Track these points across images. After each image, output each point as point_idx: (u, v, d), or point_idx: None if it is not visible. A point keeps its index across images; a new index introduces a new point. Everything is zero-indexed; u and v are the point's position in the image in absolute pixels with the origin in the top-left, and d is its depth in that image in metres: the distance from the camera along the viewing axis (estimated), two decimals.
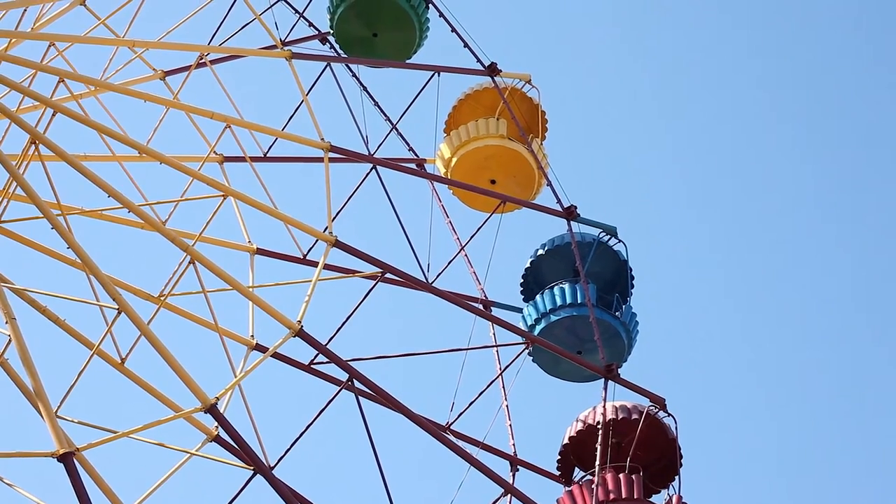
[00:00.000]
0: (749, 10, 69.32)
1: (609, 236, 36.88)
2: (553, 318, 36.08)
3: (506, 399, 35.35)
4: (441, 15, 40.44)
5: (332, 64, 38.79)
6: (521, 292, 37.73)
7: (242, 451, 28.11)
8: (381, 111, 39.87)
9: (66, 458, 25.96)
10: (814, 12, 69.32)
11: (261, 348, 31.85)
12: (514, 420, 35.53)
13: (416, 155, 39.65)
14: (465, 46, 39.61)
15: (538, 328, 36.04)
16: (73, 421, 28.12)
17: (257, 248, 34.80)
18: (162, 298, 31.27)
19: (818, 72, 68.29)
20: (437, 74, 38.48)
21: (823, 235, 66.28)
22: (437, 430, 31.64)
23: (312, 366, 32.78)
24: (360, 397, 31.45)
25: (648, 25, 69.92)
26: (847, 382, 62.70)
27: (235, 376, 29.86)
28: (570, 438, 33.19)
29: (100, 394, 35.70)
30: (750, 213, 66.54)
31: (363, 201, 36.78)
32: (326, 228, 34.19)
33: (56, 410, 28.41)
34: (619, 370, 35.05)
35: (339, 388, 31.08)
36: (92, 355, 28.74)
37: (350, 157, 36.25)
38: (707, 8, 70.08)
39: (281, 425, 32.68)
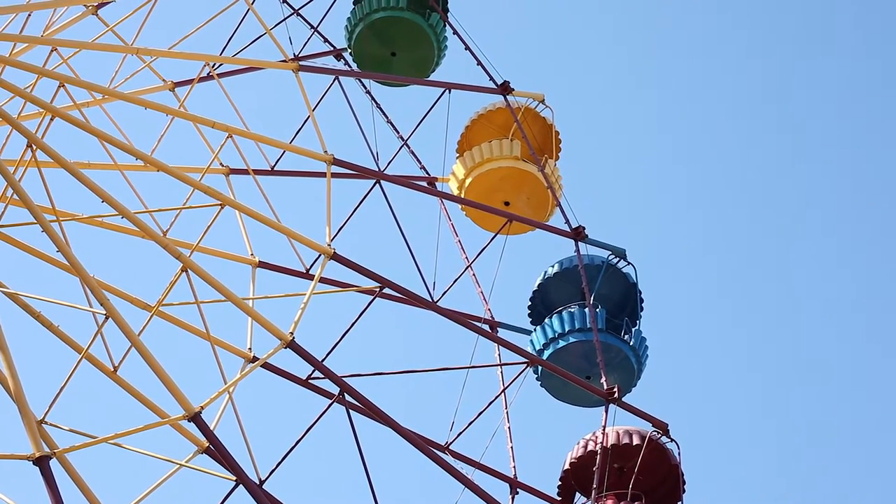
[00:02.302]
0: (766, 32, 69.14)
1: (618, 258, 36.36)
2: (561, 343, 35.66)
3: (508, 420, 34.82)
4: (455, 33, 40.26)
5: (346, 79, 38.70)
6: (529, 314, 37.30)
7: (224, 461, 27.77)
8: (393, 127, 39.69)
9: (42, 462, 25.79)
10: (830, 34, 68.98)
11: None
12: (518, 443, 35.04)
13: (427, 172, 39.39)
14: (478, 64, 39.36)
15: (547, 353, 35.61)
16: (55, 426, 28.15)
17: (259, 262, 34.57)
18: (155, 307, 30.99)
19: (837, 94, 67.95)
20: (448, 91, 38.17)
21: (839, 261, 65.64)
22: (428, 448, 31.16)
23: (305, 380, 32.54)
24: (355, 413, 31.16)
25: (661, 45, 69.93)
26: (856, 410, 62.02)
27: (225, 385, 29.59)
28: (571, 464, 32.75)
29: (95, 400, 35.74)
30: (761, 236, 66.17)
31: (373, 217, 36.63)
32: (330, 242, 33.91)
33: (45, 415, 28.50)
34: (629, 395, 34.95)
35: (330, 401, 30.74)
36: (80, 360, 28.73)
37: (353, 170, 35.97)
38: (721, 29, 69.95)
39: (276, 439, 32.42)
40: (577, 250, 36.06)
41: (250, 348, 31.98)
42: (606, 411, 32.72)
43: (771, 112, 68.26)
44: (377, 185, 35.55)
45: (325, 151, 35.96)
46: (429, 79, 40.13)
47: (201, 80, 36.58)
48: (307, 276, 34.44)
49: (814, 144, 67.81)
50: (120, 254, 38.27)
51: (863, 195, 65.90)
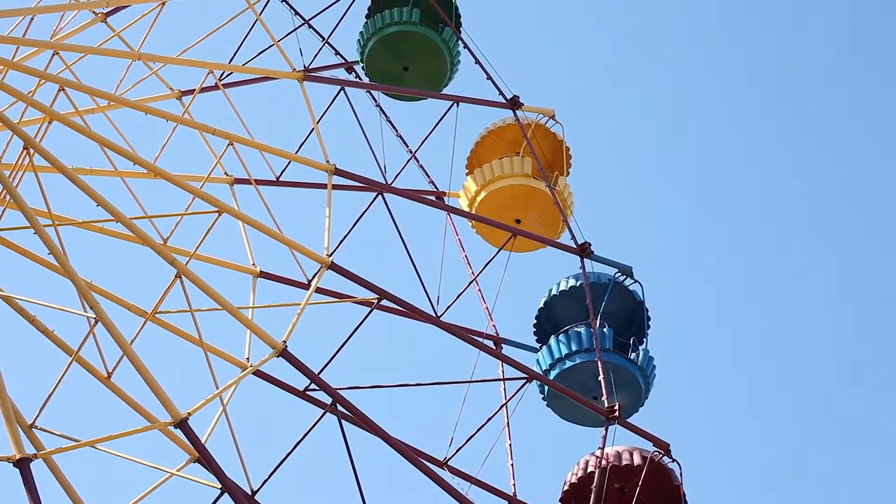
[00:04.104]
0: (777, 52, 68.77)
1: (625, 276, 35.90)
2: (568, 363, 35.24)
3: (509, 437, 34.43)
4: (466, 47, 40.02)
5: (357, 93, 38.61)
6: (535, 332, 36.92)
7: (210, 469, 27.50)
8: (402, 140, 39.52)
9: (22, 464, 25.64)
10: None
11: (255, 371, 31.35)
12: (518, 460, 34.66)
13: (435, 186, 39.11)
14: (487, 78, 39.05)
15: (553, 373, 35.22)
16: (45, 430, 28.05)
17: (261, 271, 34.34)
18: (150, 313, 30.78)
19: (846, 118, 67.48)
20: (456, 104, 37.87)
21: (847, 283, 64.90)
22: (421, 462, 30.73)
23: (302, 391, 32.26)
24: (352, 426, 30.93)
25: (670, 60, 69.68)
26: (861, 432, 61.16)
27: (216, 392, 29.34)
28: (572, 484, 32.36)
29: (93, 405, 35.62)
30: (771, 253, 65.61)
31: (379, 230, 36.41)
32: (329, 252, 33.63)
33: (35, 419, 28.41)
34: (637, 414, 34.52)
35: (323, 411, 30.44)
36: (70, 363, 28.61)
37: (355, 181, 35.72)
38: (728, 44, 69.62)
39: (272, 449, 32.17)
40: (583, 267, 35.60)
41: (248, 358, 31.70)
42: (606, 430, 32.33)
43: (773, 127, 68.06)
44: (379, 197, 35.28)
45: (328, 162, 35.77)
46: (437, 93, 39.81)
47: (209, 89, 36.52)
48: (307, 286, 34.10)
49: (824, 157, 67.49)
50: (119, 259, 38.25)
51: (867, 202, 65.51)
